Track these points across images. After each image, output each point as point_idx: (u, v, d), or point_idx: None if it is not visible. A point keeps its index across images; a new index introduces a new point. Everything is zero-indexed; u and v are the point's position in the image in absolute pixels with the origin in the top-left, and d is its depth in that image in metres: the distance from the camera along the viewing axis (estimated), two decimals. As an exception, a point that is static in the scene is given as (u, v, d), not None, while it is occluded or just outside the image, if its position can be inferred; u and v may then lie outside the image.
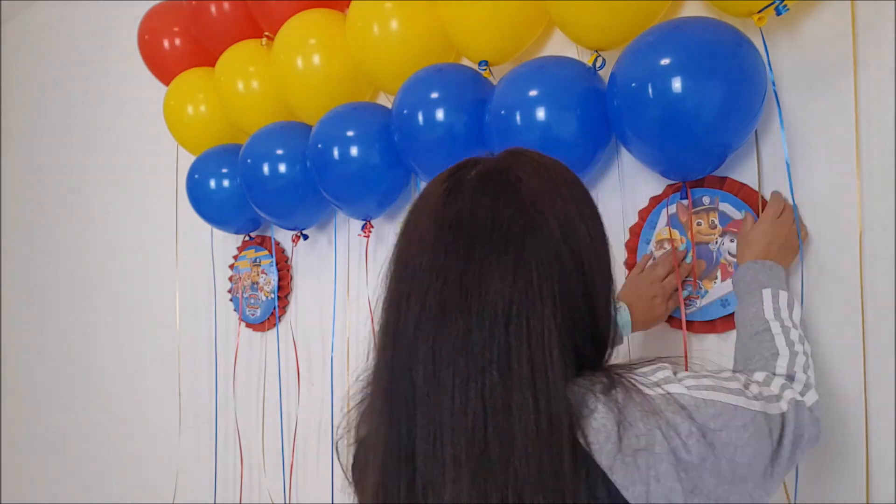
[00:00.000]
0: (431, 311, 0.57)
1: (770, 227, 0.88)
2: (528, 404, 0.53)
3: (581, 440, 0.54)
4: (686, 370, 0.62)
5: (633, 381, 0.57)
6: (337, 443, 0.73)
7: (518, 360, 0.54)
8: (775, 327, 0.77)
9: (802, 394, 0.68)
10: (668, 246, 1.06)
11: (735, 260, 0.98)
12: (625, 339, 1.03)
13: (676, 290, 1.02)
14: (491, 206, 0.58)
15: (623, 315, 0.99)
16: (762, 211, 0.96)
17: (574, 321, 0.59)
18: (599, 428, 0.54)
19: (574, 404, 0.55)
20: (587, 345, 0.61)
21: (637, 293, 1.01)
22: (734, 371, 0.65)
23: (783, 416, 0.63)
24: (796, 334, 0.76)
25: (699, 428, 0.54)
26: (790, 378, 0.71)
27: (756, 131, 0.96)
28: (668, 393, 0.56)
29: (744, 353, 0.79)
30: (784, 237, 0.88)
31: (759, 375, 0.69)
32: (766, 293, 0.80)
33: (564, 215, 0.60)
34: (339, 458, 0.72)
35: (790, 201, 0.93)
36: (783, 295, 0.81)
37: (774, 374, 0.70)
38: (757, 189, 0.98)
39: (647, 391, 0.56)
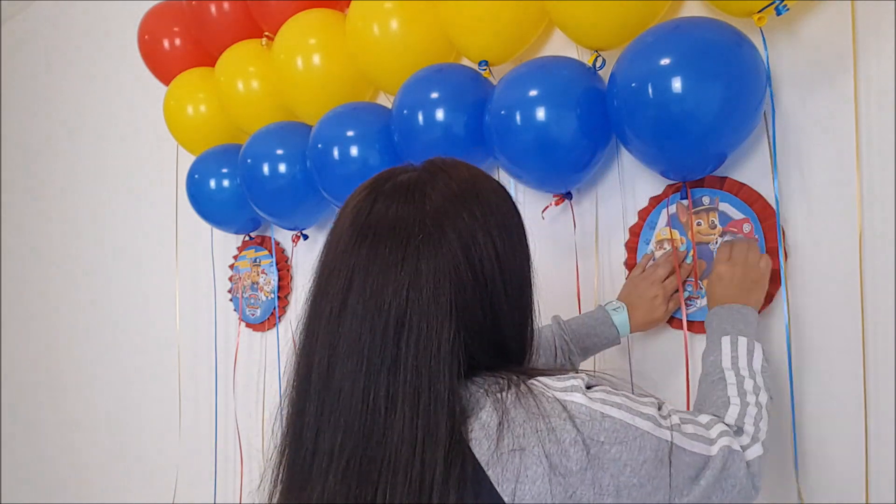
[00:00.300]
0: (334, 311, 0.60)
1: (727, 268, 0.89)
2: (408, 404, 0.56)
3: (465, 435, 0.57)
4: (611, 387, 0.62)
5: (531, 384, 0.59)
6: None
7: (405, 364, 0.57)
8: (730, 377, 0.78)
9: (745, 447, 0.68)
10: (668, 246, 1.06)
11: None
12: (623, 339, 1.03)
13: (677, 290, 1.02)
14: (395, 217, 0.61)
15: (621, 315, 0.99)
16: (770, 216, 0.96)
17: (474, 331, 0.60)
18: (482, 425, 0.56)
19: (464, 402, 0.58)
20: (489, 353, 0.62)
21: (637, 294, 1.01)
22: (664, 405, 0.65)
23: (708, 458, 0.63)
24: (751, 384, 0.77)
25: (584, 438, 0.55)
26: (738, 430, 0.71)
27: (764, 130, 0.96)
28: (563, 400, 0.57)
29: (699, 398, 0.79)
30: (741, 277, 0.88)
31: (704, 418, 0.69)
32: (725, 341, 0.82)
33: (466, 230, 0.61)
34: None
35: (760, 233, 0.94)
36: (742, 342, 0.81)
37: (722, 421, 0.70)
38: (758, 189, 0.98)
39: (540, 395, 0.57)
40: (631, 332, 1.02)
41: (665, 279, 1.01)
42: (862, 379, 0.89)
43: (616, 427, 0.57)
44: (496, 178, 0.72)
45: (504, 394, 0.58)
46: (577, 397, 0.58)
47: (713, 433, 0.66)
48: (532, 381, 0.59)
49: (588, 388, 0.60)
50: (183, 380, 2.02)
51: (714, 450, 0.64)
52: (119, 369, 2.44)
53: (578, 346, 1.00)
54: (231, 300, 1.88)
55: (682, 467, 0.60)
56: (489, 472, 0.55)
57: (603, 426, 0.57)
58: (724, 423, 0.69)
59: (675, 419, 0.63)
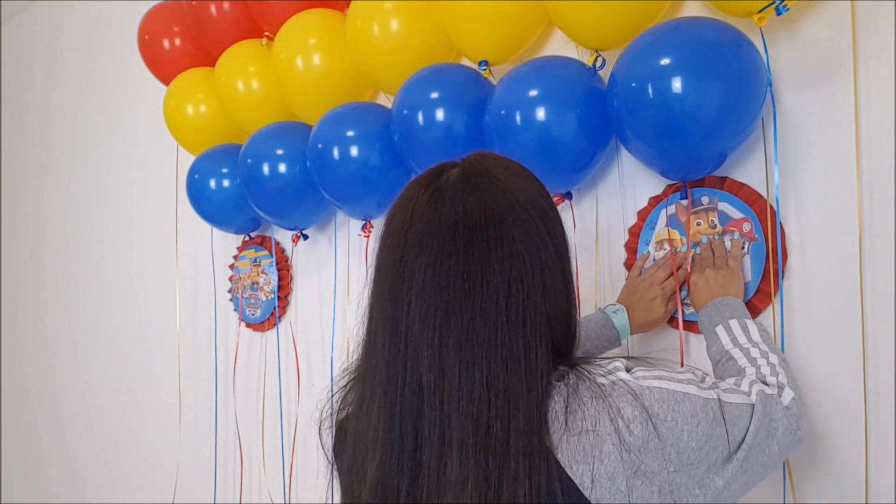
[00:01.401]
0: (437, 309, 0.60)
1: (698, 276, 0.97)
2: (522, 388, 0.58)
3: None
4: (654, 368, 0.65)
5: (586, 369, 0.61)
6: (320, 425, 0.77)
7: (517, 346, 0.59)
8: (736, 353, 0.82)
9: (776, 392, 0.72)
10: (667, 247, 1.06)
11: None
12: (623, 341, 1.03)
13: (676, 292, 1.02)
14: (480, 205, 0.62)
15: (621, 317, 0.99)
16: (769, 215, 0.96)
17: (556, 309, 0.63)
18: (550, 410, 0.59)
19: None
20: (564, 333, 0.66)
21: (636, 296, 1.01)
22: (698, 371, 0.68)
23: (751, 406, 0.66)
24: (756, 351, 0.81)
25: (642, 412, 0.58)
26: (762, 381, 0.74)
27: (761, 130, 0.96)
28: (618, 379, 0.60)
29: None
30: (713, 277, 0.95)
31: (731, 380, 0.73)
32: (720, 329, 0.87)
33: (541, 208, 0.64)
34: (320, 441, 0.77)
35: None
36: (733, 323, 0.86)
37: (746, 377, 0.74)
38: (758, 189, 0.98)
39: (598, 378, 0.60)
40: (631, 334, 1.02)
41: (664, 280, 1.02)
42: (862, 379, 0.89)
43: (665, 396, 0.59)
44: None
45: (567, 377, 0.60)
46: (623, 376, 0.61)
47: (744, 386, 0.70)
48: (578, 367, 0.62)
49: (627, 370, 0.63)
50: (183, 380, 2.02)
51: (753, 398, 0.67)
52: (119, 369, 2.44)
53: (580, 349, 1.00)
54: (231, 300, 1.88)
55: (732, 420, 0.63)
56: (559, 455, 0.57)
57: (654, 397, 0.59)
58: (748, 378, 0.73)
59: (711, 380, 0.67)
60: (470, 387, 0.58)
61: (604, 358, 0.65)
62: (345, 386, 0.74)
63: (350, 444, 0.69)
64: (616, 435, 0.56)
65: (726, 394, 0.65)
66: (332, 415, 0.75)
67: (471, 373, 0.59)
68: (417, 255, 0.62)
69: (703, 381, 0.65)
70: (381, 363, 0.63)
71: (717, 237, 1.00)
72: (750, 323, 0.86)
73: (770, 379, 0.74)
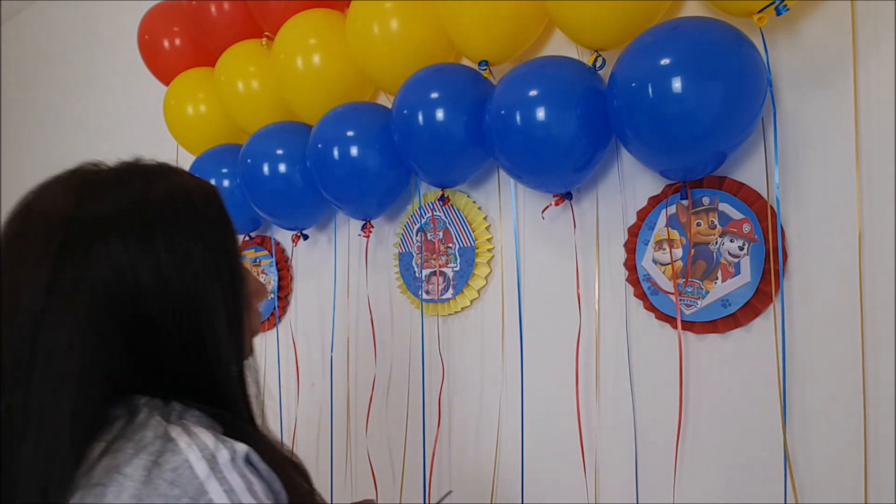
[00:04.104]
0: None
1: None
2: (35, 421, 0.49)
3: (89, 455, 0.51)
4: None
5: (170, 428, 0.51)
6: None
7: (38, 374, 0.50)
8: None
9: None
10: (666, 247, 1.06)
11: (735, 260, 0.98)
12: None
13: None
14: (51, 208, 0.56)
15: None
16: (769, 216, 0.96)
17: (133, 354, 0.54)
18: (101, 449, 0.50)
19: (99, 422, 0.52)
20: (160, 381, 0.55)
21: None
22: None
23: None
24: None
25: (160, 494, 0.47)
26: None
27: (761, 130, 0.96)
28: (187, 459, 0.49)
29: None
30: None
31: None
32: None
33: (116, 252, 0.53)
34: None
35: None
36: None
37: None
38: (758, 189, 0.98)
39: (161, 442, 0.50)
40: None
41: None
42: (862, 378, 0.89)
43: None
44: (499, 176, 0.70)
45: (118, 427, 0.51)
46: (200, 466, 0.49)
47: None
48: (164, 424, 0.52)
49: (248, 462, 0.52)
50: (183, 380, 2.02)
51: None
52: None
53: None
54: (231, 300, 1.87)
55: None
56: (74, 497, 0.48)
57: (195, 495, 0.47)
58: None
59: None
60: None
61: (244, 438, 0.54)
62: None
63: None
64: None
65: None
66: None
67: None
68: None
69: None
70: None
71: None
72: None
73: None
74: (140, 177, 0.59)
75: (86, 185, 0.57)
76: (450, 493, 1.11)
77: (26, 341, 0.50)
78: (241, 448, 0.52)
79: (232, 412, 0.58)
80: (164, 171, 0.61)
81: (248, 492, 0.49)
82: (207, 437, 0.51)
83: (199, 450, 0.49)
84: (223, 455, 0.50)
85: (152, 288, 0.54)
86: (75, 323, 0.51)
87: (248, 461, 0.52)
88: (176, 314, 0.55)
